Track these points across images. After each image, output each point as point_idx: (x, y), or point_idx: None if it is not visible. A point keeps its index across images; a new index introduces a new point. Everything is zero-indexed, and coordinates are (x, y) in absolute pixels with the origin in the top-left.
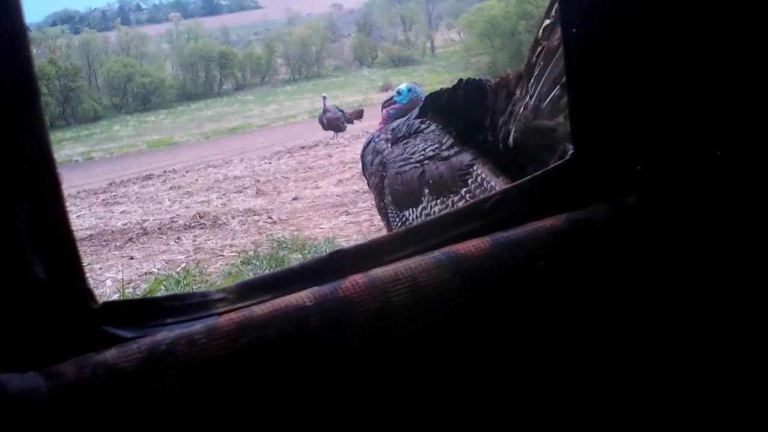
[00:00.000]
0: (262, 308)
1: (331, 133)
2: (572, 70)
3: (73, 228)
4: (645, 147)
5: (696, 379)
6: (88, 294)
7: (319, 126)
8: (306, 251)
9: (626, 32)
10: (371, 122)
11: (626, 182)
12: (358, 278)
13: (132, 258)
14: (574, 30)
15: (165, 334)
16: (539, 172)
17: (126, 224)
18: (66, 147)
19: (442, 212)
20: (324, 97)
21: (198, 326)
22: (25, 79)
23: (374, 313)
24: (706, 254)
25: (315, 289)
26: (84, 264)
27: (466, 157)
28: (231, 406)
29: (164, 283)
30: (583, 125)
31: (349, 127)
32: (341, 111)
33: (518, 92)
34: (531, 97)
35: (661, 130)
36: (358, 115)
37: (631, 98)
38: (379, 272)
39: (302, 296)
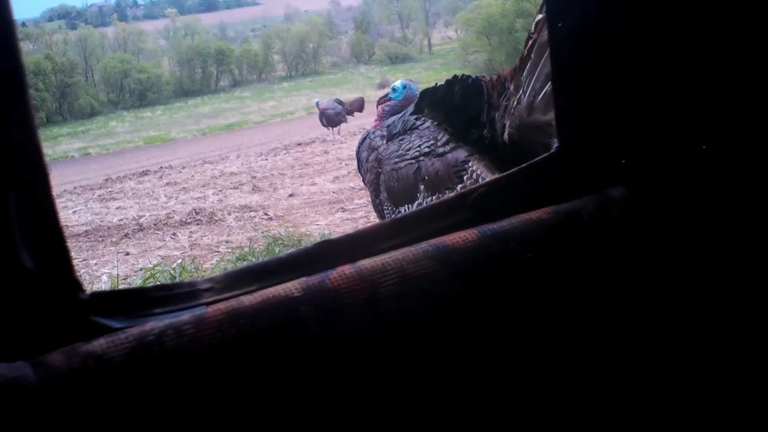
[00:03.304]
0: (250, 298)
1: (327, 129)
2: (557, 62)
3: (69, 224)
4: (630, 140)
5: (685, 369)
6: (77, 284)
7: (317, 123)
8: None
9: (612, 25)
10: (368, 119)
11: (612, 175)
12: (346, 269)
13: (128, 254)
14: (560, 24)
15: (153, 324)
16: (525, 165)
17: (122, 220)
18: (62, 143)
19: (429, 203)
20: (317, 103)
21: (186, 316)
22: (14, 69)
23: (363, 304)
24: (693, 246)
25: (303, 279)
26: (78, 261)
27: (461, 154)
28: (221, 396)
29: (159, 277)
30: (568, 118)
31: (345, 123)
32: (340, 103)
33: (512, 87)
34: (525, 92)
35: (647, 123)
36: (359, 106)
37: (617, 91)
38: (367, 263)
39: (290, 287)
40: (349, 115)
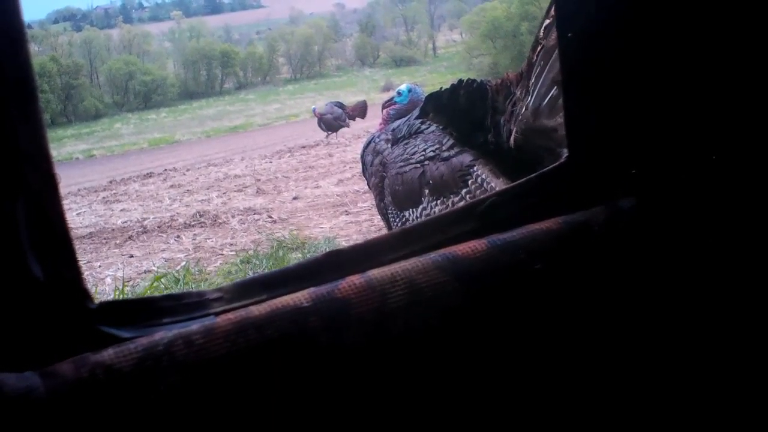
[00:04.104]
0: (259, 309)
1: (328, 134)
2: (567, 72)
3: (73, 226)
4: (640, 150)
5: (693, 380)
6: (86, 294)
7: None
8: (306, 250)
9: (622, 36)
10: (372, 122)
11: (622, 185)
12: (355, 279)
13: (132, 256)
14: (569, 34)
15: (162, 334)
16: (534, 175)
17: (126, 222)
18: (67, 144)
19: (438, 213)
20: (314, 109)
21: (195, 326)
22: (25, 77)
23: (372, 314)
24: (702, 257)
25: (312, 289)
26: (82, 263)
27: (466, 158)
28: (229, 407)
29: (163, 280)
30: (578, 128)
31: (349, 127)
32: (341, 106)
33: (518, 92)
34: (531, 97)
35: (657, 133)
36: (361, 111)
37: (627, 102)
38: (377, 273)
39: (299, 297)
40: (351, 120)
